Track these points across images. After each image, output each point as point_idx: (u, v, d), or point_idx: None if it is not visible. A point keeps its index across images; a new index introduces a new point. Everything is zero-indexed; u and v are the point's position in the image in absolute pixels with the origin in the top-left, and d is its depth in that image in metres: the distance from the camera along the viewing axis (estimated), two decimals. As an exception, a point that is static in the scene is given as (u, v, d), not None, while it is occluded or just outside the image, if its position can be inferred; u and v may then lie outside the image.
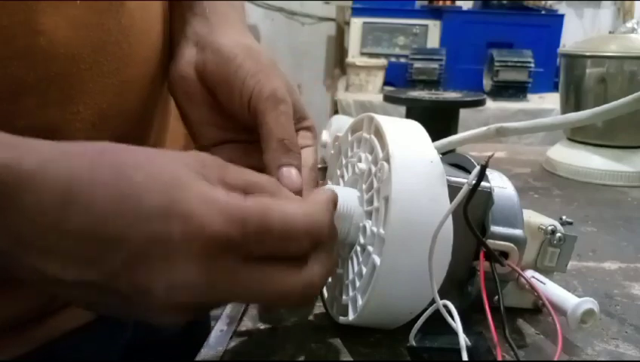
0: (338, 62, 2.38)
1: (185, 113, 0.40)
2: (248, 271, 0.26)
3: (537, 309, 0.40)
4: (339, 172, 0.42)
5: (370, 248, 0.33)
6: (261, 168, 0.40)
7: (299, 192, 0.35)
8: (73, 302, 0.29)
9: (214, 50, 0.38)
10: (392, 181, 0.32)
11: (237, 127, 0.39)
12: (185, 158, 0.27)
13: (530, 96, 1.93)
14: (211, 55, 0.38)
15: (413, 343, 0.32)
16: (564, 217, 0.62)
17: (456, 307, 0.30)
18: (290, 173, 0.35)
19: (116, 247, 0.24)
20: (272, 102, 0.36)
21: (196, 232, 0.24)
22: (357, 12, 2.13)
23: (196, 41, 0.39)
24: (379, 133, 0.35)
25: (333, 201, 0.31)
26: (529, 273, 0.38)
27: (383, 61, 1.97)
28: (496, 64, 1.87)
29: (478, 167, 0.30)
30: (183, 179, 0.25)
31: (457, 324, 0.29)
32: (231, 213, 0.25)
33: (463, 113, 0.91)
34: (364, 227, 0.35)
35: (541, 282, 0.37)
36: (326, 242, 0.29)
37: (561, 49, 0.94)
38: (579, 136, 0.83)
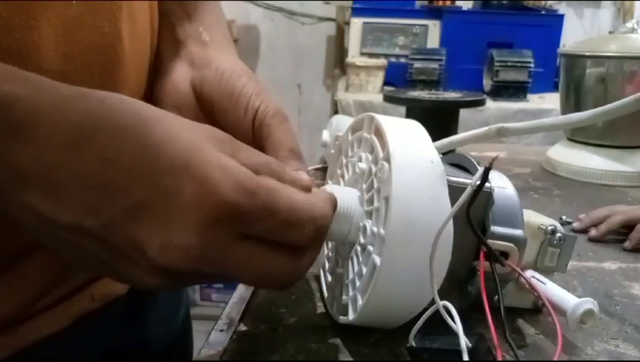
0: (338, 62, 2.38)
1: None
2: (244, 246, 0.26)
3: (537, 309, 0.40)
4: (339, 171, 0.42)
5: (370, 248, 0.33)
6: None
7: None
8: (57, 250, 0.27)
9: (215, 69, 0.40)
10: (392, 181, 0.32)
11: None
12: (203, 127, 0.27)
13: (530, 96, 1.93)
14: (212, 73, 0.39)
15: (413, 343, 0.32)
16: (564, 217, 0.62)
17: (456, 307, 0.30)
18: (301, 174, 0.35)
19: (122, 196, 0.23)
20: (279, 118, 0.37)
21: (207, 195, 0.24)
22: (357, 12, 2.13)
23: (191, 61, 0.41)
24: (379, 133, 0.35)
25: (334, 203, 0.31)
26: (529, 273, 0.38)
27: (382, 61, 1.97)
28: (496, 64, 1.87)
29: (481, 169, 0.30)
30: (202, 143, 0.25)
31: (457, 325, 0.29)
32: (244, 185, 0.25)
33: (463, 113, 0.91)
34: (365, 227, 0.34)
35: (541, 282, 0.37)
36: (322, 238, 0.30)
37: (561, 49, 0.94)
38: (579, 136, 0.83)
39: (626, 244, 0.55)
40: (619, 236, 0.57)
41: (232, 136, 0.40)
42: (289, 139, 0.37)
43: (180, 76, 0.40)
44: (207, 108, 0.40)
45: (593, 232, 0.58)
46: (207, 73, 0.40)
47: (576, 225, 0.60)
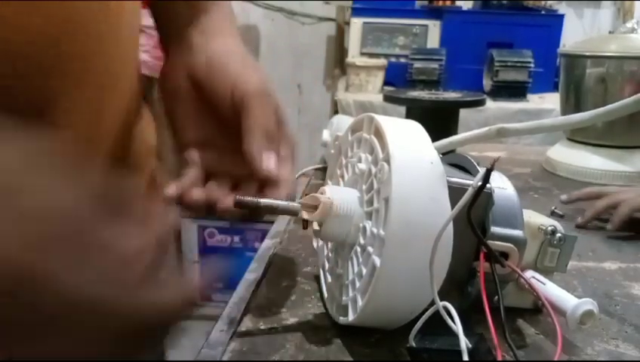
0: (338, 62, 2.38)
1: (170, 108, 0.43)
2: None
3: (537, 309, 0.40)
4: (339, 172, 0.42)
5: (370, 249, 0.33)
6: (235, 173, 0.41)
7: (276, 179, 0.37)
8: None
9: (208, 54, 0.41)
10: (392, 182, 0.32)
11: (217, 129, 0.42)
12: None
13: (530, 96, 1.93)
14: (203, 58, 0.41)
15: (413, 344, 0.32)
16: (555, 209, 0.62)
17: (456, 307, 0.30)
18: (269, 162, 0.37)
19: None
20: (256, 96, 0.38)
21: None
22: (357, 12, 2.13)
23: (190, 47, 0.42)
24: (379, 134, 0.35)
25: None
26: (529, 273, 0.38)
27: (382, 61, 1.97)
28: (496, 64, 1.87)
29: (483, 170, 0.30)
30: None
31: (457, 326, 0.29)
32: None
33: (463, 113, 0.91)
34: (364, 228, 0.34)
35: (541, 282, 0.37)
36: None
37: (561, 49, 0.94)
38: (579, 136, 0.83)
39: (609, 226, 0.57)
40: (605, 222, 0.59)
41: (216, 124, 0.41)
42: (262, 119, 0.38)
43: (178, 63, 0.42)
44: (199, 92, 0.41)
45: (579, 219, 0.60)
46: (199, 59, 0.41)
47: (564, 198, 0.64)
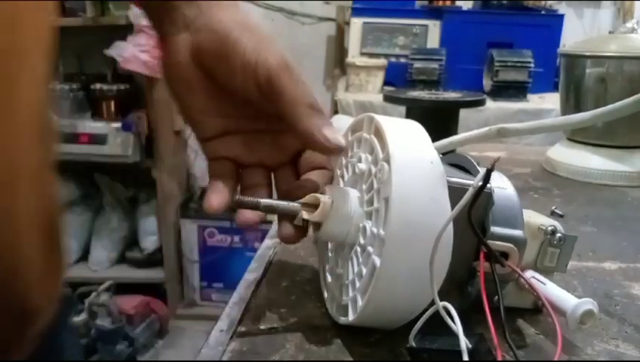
0: (338, 62, 2.38)
1: (183, 103, 0.38)
2: None
3: (537, 309, 0.40)
4: (339, 172, 0.42)
5: (370, 249, 0.33)
6: (268, 162, 0.40)
7: (343, 145, 0.35)
8: None
9: (208, 30, 0.36)
10: (392, 182, 0.32)
11: (240, 114, 0.39)
12: None
13: (530, 96, 1.93)
14: (206, 35, 0.36)
15: (413, 344, 0.32)
16: (555, 209, 0.62)
17: (455, 308, 0.30)
18: (331, 130, 0.35)
19: None
20: (284, 68, 0.35)
21: None
22: (357, 12, 2.13)
23: (186, 25, 0.37)
24: (379, 134, 0.35)
25: None
26: (529, 273, 0.38)
27: (382, 61, 1.97)
28: (496, 64, 1.87)
29: (483, 171, 0.30)
30: None
31: (457, 326, 0.29)
32: None
33: (463, 113, 0.91)
34: (364, 228, 0.34)
35: (541, 282, 0.37)
36: None
37: (561, 49, 0.94)
38: (579, 136, 0.83)
39: None
40: None
41: (238, 109, 0.37)
42: (302, 92, 0.35)
43: (179, 48, 0.37)
44: (211, 76, 0.37)
45: None
46: (202, 37, 0.36)
47: None
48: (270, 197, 0.39)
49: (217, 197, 0.37)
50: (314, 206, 0.35)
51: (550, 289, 0.36)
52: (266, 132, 0.40)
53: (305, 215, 0.36)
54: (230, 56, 0.35)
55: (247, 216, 0.37)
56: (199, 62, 0.37)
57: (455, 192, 0.32)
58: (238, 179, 0.40)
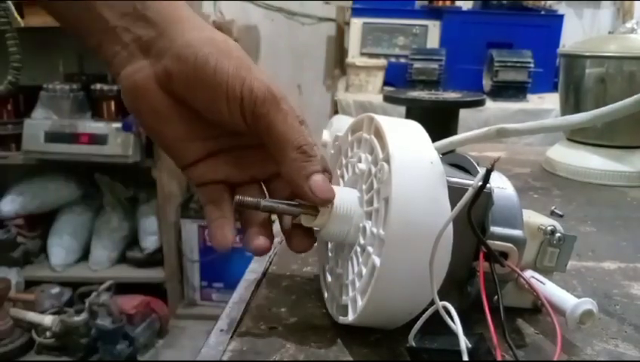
0: (338, 62, 2.38)
1: (156, 133, 0.34)
2: None
3: (537, 309, 0.40)
4: (339, 172, 0.42)
5: (370, 249, 0.33)
6: (260, 176, 0.38)
7: (331, 198, 0.33)
8: None
9: (176, 56, 0.32)
10: (392, 182, 0.32)
11: (220, 133, 0.35)
12: None
13: (529, 96, 1.93)
14: (175, 63, 0.32)
15: (413, 343, 0.32)
16: (555, 209, 0.62)
17: (455, 307, 0.30)
18: (319, 182, 0.33)
19: None
20: (271, 102, 0.32)
21: None
22: (357, 12, 2.13)
23: (144, 49, 0.33)
24: (379, 134, 0.35)
25: None
26: (528, 273, 0.38)
27: (382, 61, 1.97)
28: (496, 64, 1.87)
29: (483, 171, 0.30)
30: None
31: (457, 326, 0.29)
32: None
33: (463, 113, 0.91)
34: (364, 228, 0.35)
35: (540, 282, 0.37)
36: None
37: (561, 49, 0.94)
38: (578, 136, 0.83)
39: None
40: None
41: (219, 129, 0.33)
42: (292, 131, 0.32)
43: (141, 76, 0.32)
44: (188, 106, 0.33)
45: None
46: (169, 64, 0.32)
47: None
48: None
49: (223, 234, 0.35)
50: (314, 207, 0.35)
51: (550, 289, 0.36)
52: (253, 146, 0.36)
53: (304, 220, 0.36)
54: (211, 85, 0.32)
55: (260, 243, 0.35)
56: (168, 91, 0.33)
57: (455, 192, 0.33)
58: (232, 200, 0.36)
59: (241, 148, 0.36)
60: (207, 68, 0.31)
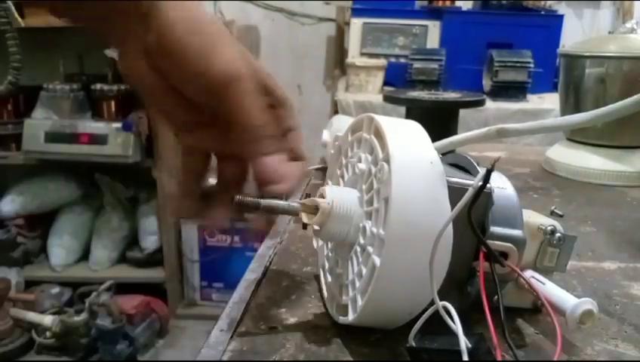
0: (338, 62, 2.38)
1: (147, 101, 0.36)
2: None
3: (537, 309, 0.40)
4: (339, 172, 0.42)
5: (370, 249, 0.33)
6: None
7: (282, 179, 0.33)
8: None
9: (158, 33, 0.32)
10: (392, 182, 0.32)
11: (205, 114, 0.36)
12: None
13: (529, 96, 1.93)
14: (156, 39, 0.32)
15: (413, 343, 0.32)
16: (555, 209, 0.62)
17: (455, 307, 0.30)
18: (267, 165, 0.33)
19: None
20: (225, 83, 0.32)
21: None
22: (357, 12, 2.13)
23: (142, 22, 0.33)
24: (379, 134, 0.35)
25: None
26: (528, 273, 0.38)
27: (382, 61, 1.97)
28: (496, 64, 1.87)
29: (483, 171, 0.30)
30: None
31: (457, 326, 0.29)
32: None
33: (463, 113, 0.91)
34: (364, 228, 0.35)
35: (540, 282, 0.37)
36: None
37: (561, 49, 0.94)
38: (578, 136, 0.83)
39: None
40: None
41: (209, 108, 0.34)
42: (244, 111, 0.32)
43: (136, 51, 0.33)
44: (167, 80, 0.34)
45: None
46: (152, 41, 0.32)
47: None
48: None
49: (186, 206, 0.37)
50: (314, 207, 0.35)
51: (550, 289, 0.36)
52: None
53: (305, 218, 0.36)
54: (180, 64, 0.32)
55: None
56: (154, 67, 0.34)
57: (455, 192, 0.33)
58: (205, 173, 0.37)
59: (220, 128, 0.36)
60: (177, 46, 0.32)
